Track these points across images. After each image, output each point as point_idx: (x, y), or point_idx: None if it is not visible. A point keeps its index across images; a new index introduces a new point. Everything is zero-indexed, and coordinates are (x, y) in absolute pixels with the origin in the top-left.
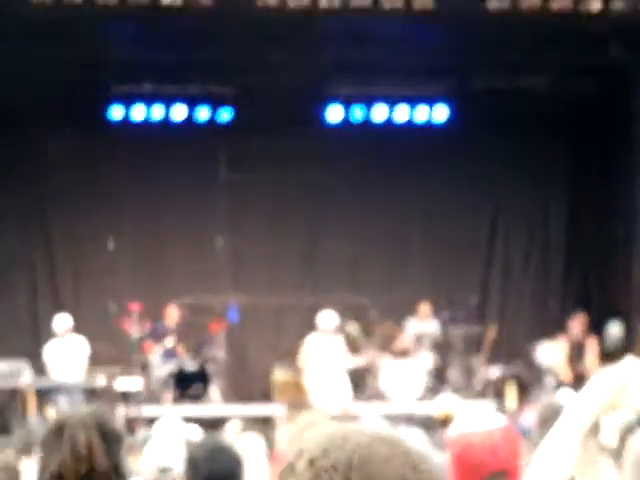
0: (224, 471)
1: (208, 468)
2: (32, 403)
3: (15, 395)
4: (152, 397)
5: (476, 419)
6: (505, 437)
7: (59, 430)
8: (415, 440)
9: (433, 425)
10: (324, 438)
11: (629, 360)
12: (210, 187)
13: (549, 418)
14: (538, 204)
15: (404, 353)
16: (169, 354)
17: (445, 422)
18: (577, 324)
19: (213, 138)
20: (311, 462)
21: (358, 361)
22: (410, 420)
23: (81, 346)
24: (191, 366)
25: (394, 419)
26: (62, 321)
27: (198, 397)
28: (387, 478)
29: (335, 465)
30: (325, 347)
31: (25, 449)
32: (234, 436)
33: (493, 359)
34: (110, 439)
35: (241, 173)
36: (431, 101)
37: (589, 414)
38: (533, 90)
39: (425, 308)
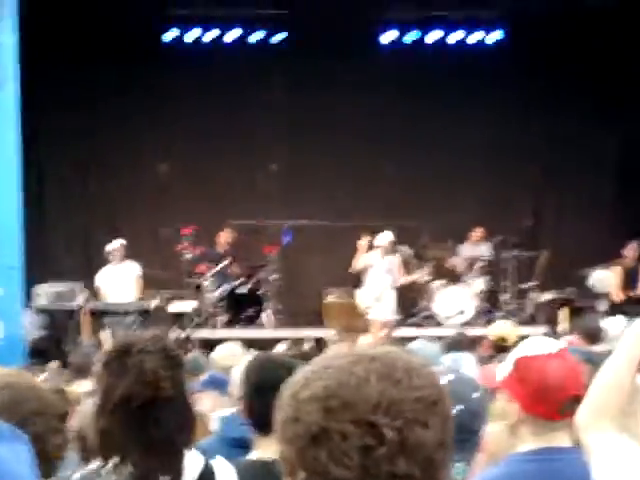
0: (273, 380)
1: (258, 377)
2: (86, 325)
3: (69, 317)
4: (205, 320)
5: (542, 344)
6: (573, 361)
7: (124, 355)
8: (464, 364)
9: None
10: (309, 369)
11: None
12: (264, 110)
13: (591, 338)
14: (592, 126)
15: (455, 276)
16: (222, 277)
17: (500, 346)
18: (631, 250)
19: (266, 61)
20: (293, 395)
21: (409, 279)
22: (460, 343)
23: (134, 271)
24: (244, 289)
25: (445, 341)
26: (115, 246)
27: (251, 320)
28: (366, 398)
29: (313, 396)
30: (380, 265)
31: (80, 371)
32: None
33: (545, 284)
34: (174, 364)
35: (295, 96)
36: (486, 24)
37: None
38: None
39: (477, 232)
